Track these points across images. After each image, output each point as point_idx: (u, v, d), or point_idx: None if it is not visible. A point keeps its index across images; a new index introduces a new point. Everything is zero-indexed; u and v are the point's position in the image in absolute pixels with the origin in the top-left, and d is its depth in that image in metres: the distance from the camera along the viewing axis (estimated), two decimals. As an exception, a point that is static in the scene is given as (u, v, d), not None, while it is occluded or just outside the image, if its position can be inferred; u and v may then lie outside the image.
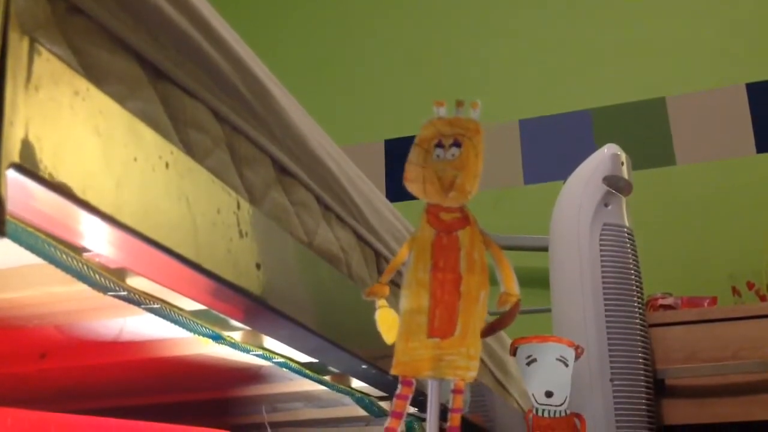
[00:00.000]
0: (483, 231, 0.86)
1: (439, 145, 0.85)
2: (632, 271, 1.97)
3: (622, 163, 2.03)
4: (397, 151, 3.23)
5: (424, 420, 1.24)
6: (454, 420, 0.83)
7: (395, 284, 0.89)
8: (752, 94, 2.94)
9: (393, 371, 0.83)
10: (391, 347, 0.83)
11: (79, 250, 0.65)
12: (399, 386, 0.83)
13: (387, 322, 0.84)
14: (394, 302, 0.85)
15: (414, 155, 0.86)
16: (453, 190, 0.83)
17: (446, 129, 0.85)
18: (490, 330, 0.88)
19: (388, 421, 0.82)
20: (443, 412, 0.84)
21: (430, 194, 0.85)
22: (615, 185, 1.99)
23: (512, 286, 0.86)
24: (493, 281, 0.84)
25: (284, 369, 1.04)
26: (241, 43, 0.88)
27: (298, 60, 3.51)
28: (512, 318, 0.89)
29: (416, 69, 3.39)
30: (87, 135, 0.52)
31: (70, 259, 0.64)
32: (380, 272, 1.20)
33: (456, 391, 0.83)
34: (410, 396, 0.83)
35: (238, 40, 0.86)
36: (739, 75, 2.98)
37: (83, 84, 0.52)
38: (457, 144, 0.84)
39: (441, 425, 0.85)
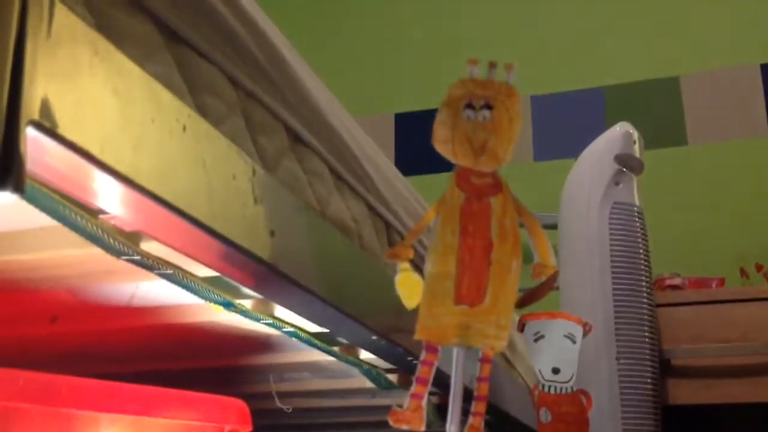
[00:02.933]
0: (516, 199, 0.83)
1: (470, 106, 0.81)
2: (641, 251, 1.97)
3: (634, 142, 2.02)
4: (406, 125, 3.22)
5: (433, 394, 1.25)
6: (482, 389, 0.82)
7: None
8: (766, 75, 2.92)
9: (417, 335, 0.81)
10: (402, 319, 0.82)
11: (94, 213, 0.64)
12: (423, 352, 0.81)
13: (409, 286, 0.82)
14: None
15: (442, 115, 0.82)
16: (484, 155, 0.80)
17: (478, 90, 0.82)
18: (526, 301, 0.87)
19: (414, 387, 0.81)
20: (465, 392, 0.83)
21: (460, 156, 0.81)
22: (626, 164, 1.98)
23: (548, 256, 0.83)
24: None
25: (293, 338, 1.04)
26: (257, 8, 0.87)
27: (308, 31, 3.49)
28: (548, 290, 0.87)
29: (427, 43, 3.37)
30: (105, 95, 0.52)
31: (84, 221, 0.63)
32: (391, 244, 1.19)
33: (485, 360, 0.82)
34: (435, 363, 0.81)
35: (253, 5, 0.85)
36: (754, 55, 2.96)
37: (102, 44, 0.52)
38: (488, 106, 0.81)
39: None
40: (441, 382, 0.86)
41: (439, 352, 0.81)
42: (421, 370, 0.82)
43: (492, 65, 0.83)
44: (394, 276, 0.83)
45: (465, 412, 0.85)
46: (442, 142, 0.81)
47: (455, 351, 0.83)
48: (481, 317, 0.80)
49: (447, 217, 0.81)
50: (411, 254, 0.83)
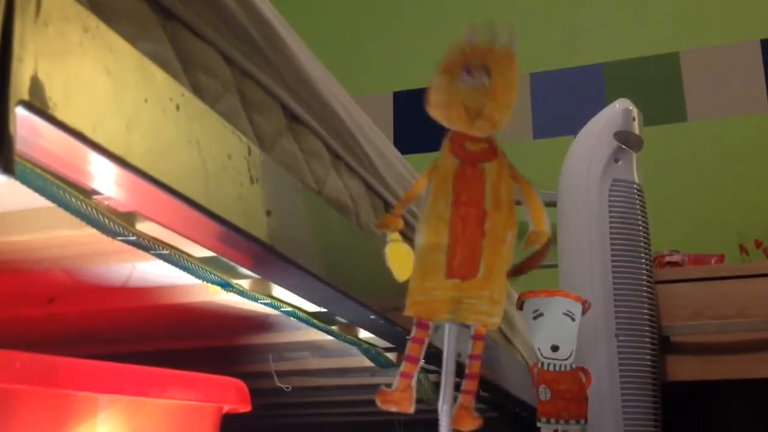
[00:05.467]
0: (511, 165, 0.79)
1: (467, 71, 0.78)
2: (640, 228, 1.96)
3: (634, 119, 2.01)
4: (405, 103, 3.20)
5: (430, 372, 1.25)
6: (473, 367, 0.79)
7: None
8: (766, 50, 2.91)
9: (407, 311, 0.78)
10: (400, 298, 0.81)
11: (88, 193, 0.64)
12: (413, 329, 0.78)
13: (399, 258, 0.79)
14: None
15: (438, 80, 0.79)
16: (480, 119, 0.77)
17: (475, 54, 0.79)
18: (517, 271, 0.83)
19: (403, 366, 0.78)
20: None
21: (455, 121, 0.78)
22: (626, 141, 1.97)
23: (542, 223, 0.80)
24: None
25: (292, 318, 1.04)
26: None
27: (305, 10, 3.47)
28: (542, 258, 0.83)
29: (426, 21, 3.34)
30: (97, 74, 0.51)
31: (78, 202, 0.63)
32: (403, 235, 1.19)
33: (477, 338, 0.79)
34: (426, 340, 0.78)
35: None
36: (754, 31, 2.94)
37: (93, 21, 0.51)
38: (486, 71, 0.78)
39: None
40: (440, 359, 0.86)
41: (429, 328, 0.78)
42: (410, 348, 0.79)
43: (492, 29, 0.80)
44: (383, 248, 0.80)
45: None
46: (436, 107, 0.78)
47: (447, 327, 0.80)
48: (473, 291, 0.77)
49: (439, 185, 0.77)
50: (401, 224, 0.80)
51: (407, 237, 0.83)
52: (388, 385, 0.79)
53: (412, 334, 0.78)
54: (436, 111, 0.78)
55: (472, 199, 0.77)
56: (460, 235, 0.76)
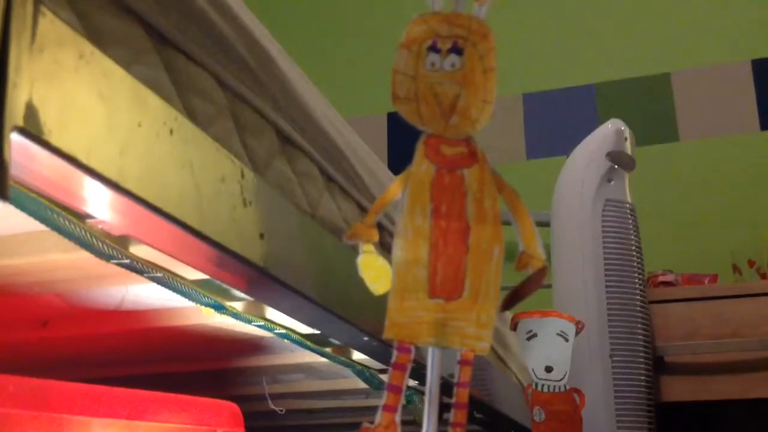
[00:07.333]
0: (495, 171, 0.71)
1: (434, 48, 0.69)
2: (633, 248, 1.97)
3: (626, 139, 2.02)
4: (399, 124, 3.20)
5: (423, 393, 1.24)
6: (461, 396, 0.70)
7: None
8: (757, 71, 2.93)
9: (386, 334, 0.70)
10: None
11: (82, 217, 0.64)
12: (394, 353, 0.70)
13: (372, 270, 0.72)
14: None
15: (401, 61, 0.70)
16: (455, 114, 0.68)
17: (442, 27, 0.69)
18: (510, 300, 0.75)
19: (385, 397, 0.69)
20: (447, 387, 0.74)
21: (427, 120, 0.70)
22: (618, 161, 1.98)
23: (533, 245, 0.71)
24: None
25: (285, 340, 1.04)
26: (245, 9, 0.87)
27: (299, 31, 3.48)
28: (538, 285, 0.73)
29: (419, 42, 3.36)
30: (91, 99, 0.51)
31: (72, 225, 0.63)
32: (383, 245, 1.19)
33: (464, 363, 0.70)
34: (408, 365, 0.69)
35: (241, 7, 0.85)
36: (745, 51, 2.96)
37: (87, 47, 0.51)
38: (456, 50, 0.68)
39: (443, 401, 0.73)
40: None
41: (412, 352, 0.70)
42: (392, 376, 0.69)
43: None
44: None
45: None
46: (403, 99, 0.69)
47: (430, 352, 0.71)
48: (458, 313, 0.69)
49: (415, 195, 0.69)
50: (374, 236, 0.72)
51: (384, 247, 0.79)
52: (371, 422, 0.70)
53: (393, 359, 0.70)
54: (402, 106, 0.70)
55: (452, 209, 0.69)
56: (441, 251, 0.68)
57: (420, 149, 0.71)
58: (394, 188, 0.71)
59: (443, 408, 0.73)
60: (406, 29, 0.70)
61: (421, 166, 0.70)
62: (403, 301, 0.69)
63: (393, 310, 0.69)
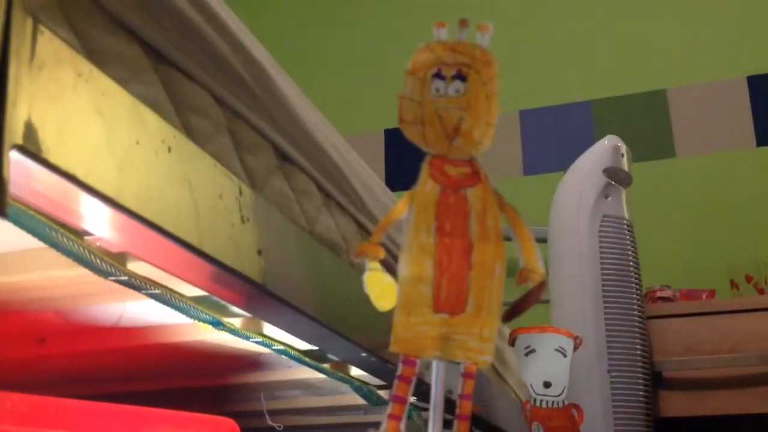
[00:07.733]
0: (496, 191, 0.74)
1: (439, 75, 0.73)
2: (631, 263, 1.97)
3: (623, 155, 2.03)
4: (396, 141, 3.22)
5: (424, 410, 1.24)
6: (464, 408, 0.73)
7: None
8: (753, 87, 2.94)
9: (392, 348, 0.72)
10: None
11: (80, 234, 0.64)
12: (400, 366, 0.73)
13: (379, 287, 0.74)
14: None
15: (408, 87, 0.74)
16: (458, 136, 0.71)
17: (447, 56, 0.73)
18: (511, 314, 0.78)
19: (390, 407, 0.72)
20: (448, 403, 0.77)
21: (432, 142, 0.73)
22: (615, 177, 1.99)
23: (534, 259, 0.74)
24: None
25: (283, 356, 1.04)
26: (243, 27, 0.87)
27: (296, 49, 3.50)
28: (536, 299, 0.77)
29: (417, 59, 3.37)
30: (90, 117, 0.52)
31: (71, 242, 0.63)
32: (381, 262, 1.19)
33: (467, 376, 0.73)
34: (413, 378, 0.73)
35: (239, 25, 0.86)
36: (741, 68, 2.98)
37: (86, 66, 0.52)
38: (460, 77, 0.72)
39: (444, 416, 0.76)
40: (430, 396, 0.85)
41: (417, 365, 0.73)
42: (397, 387, 0.72)
43: (462, 23, 0.73)
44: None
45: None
46: (409, 123, 0.73)
47: (435, 365, 0.75)
48: (462, 327, 0.71)
49: (421, 214, 0.72)
50: (382, 253, 0.75)
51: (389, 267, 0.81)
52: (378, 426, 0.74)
53: (399, 372, 0.73)
54: (409, 128, 0.74)
55: (456, 228, 0.72)
56: (446, 267, 0.71)
57: (425, 170, 0.74)
58: (400, 207, 0.74)
59: (444, 424, 0.75)
60: (412, 57, 0.74)
61: (426, 185, 0.73)
62: (409, 317, 0.72)
63: (399, 326, 0.72)
